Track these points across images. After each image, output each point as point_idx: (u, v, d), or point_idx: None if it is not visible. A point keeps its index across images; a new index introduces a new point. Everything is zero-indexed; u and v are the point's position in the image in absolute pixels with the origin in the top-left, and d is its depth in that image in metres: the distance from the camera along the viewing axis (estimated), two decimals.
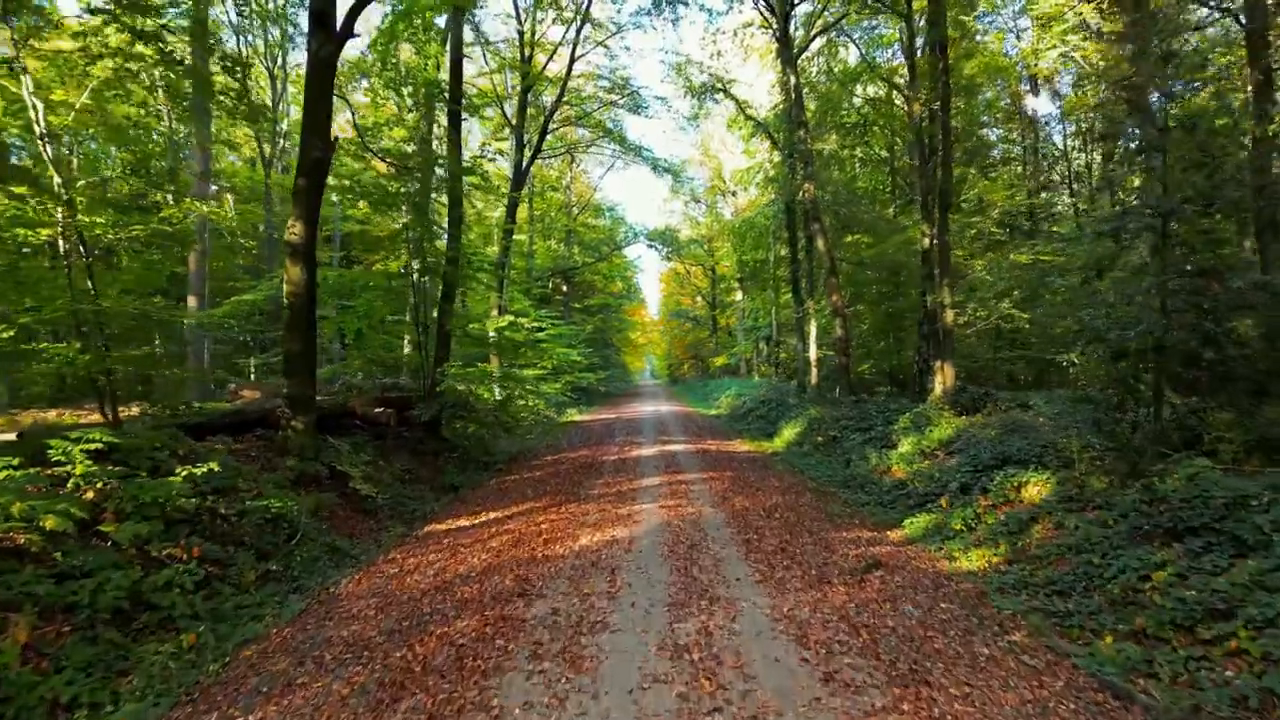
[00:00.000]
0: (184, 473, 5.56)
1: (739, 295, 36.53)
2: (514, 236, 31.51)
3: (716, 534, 6.09)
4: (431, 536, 6.56)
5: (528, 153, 17.89)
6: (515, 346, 18.48)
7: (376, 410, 9.92)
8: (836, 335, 16.64)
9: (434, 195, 11.31)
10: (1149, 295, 6.44)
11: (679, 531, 6.16)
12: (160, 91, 10.98)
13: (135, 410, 7.94)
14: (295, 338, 7.57)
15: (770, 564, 5.16)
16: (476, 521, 7.03)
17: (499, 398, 12.16)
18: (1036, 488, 6.74)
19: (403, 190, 10.47)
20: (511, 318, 10.67)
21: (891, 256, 15.86)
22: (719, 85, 22.10)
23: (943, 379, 11.86)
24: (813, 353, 19.96)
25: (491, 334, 17.61)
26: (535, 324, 20.08)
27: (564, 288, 32.31)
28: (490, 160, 10.74)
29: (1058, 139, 28.62)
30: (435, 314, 11.65)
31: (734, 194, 33.03)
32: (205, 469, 5.64)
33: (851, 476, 9.64)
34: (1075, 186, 25.36)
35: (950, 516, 6.91)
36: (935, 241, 11.86)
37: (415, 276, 10.95)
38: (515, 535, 6.26)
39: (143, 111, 10.46)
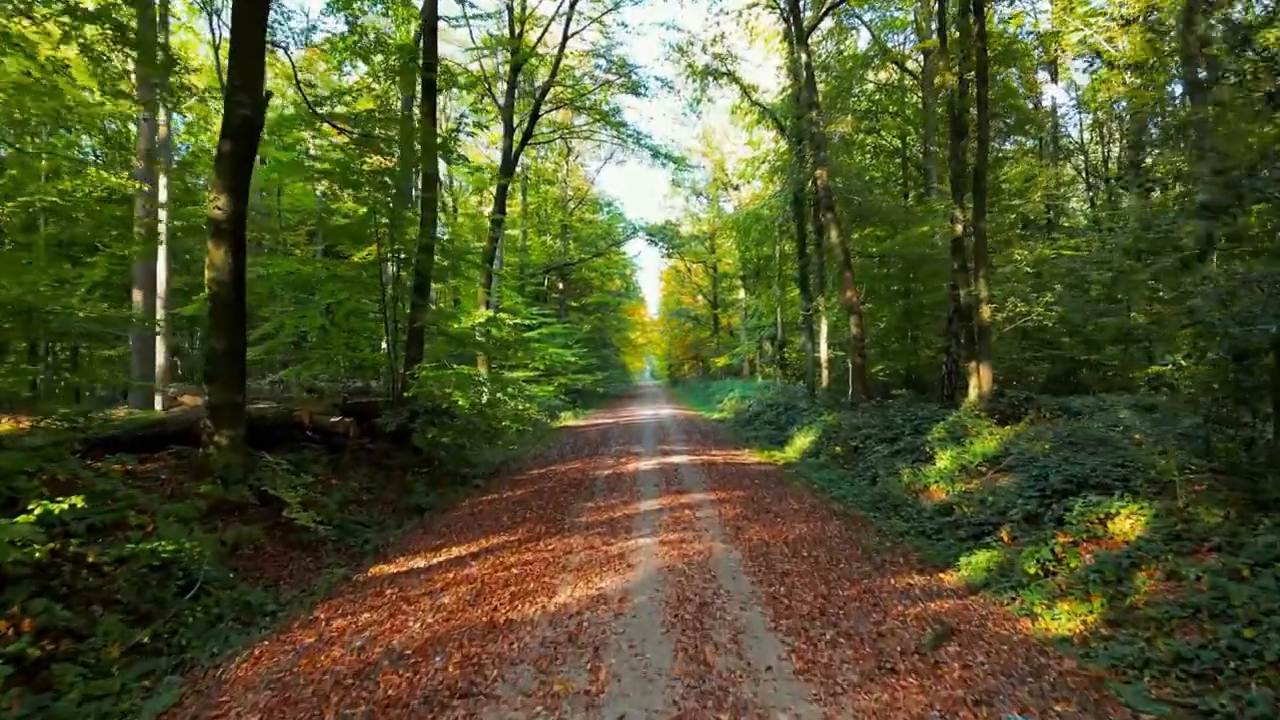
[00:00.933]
0: (39, 510, 4.25)
1: (741, 293, 35.23)
2: (507, 231, 30.17)
3: (733, 585, 4.78)
4: (374, 583, 5.24)
5: (518, 137, 16.57)
6: (504, 346, 17.19)
7: (333, 420, 8.60)
8: (851, 334, 15.34)
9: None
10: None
11: (685, 582, 4.84)
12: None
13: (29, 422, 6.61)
14: (219, 334, 6.26)
15: (809, 636, 3.86)
16: (434, 561, 5.72)
17: (482, 402, 10.84)
18: (1128, 521, 5.43)
19: (367, 166, 9.16)
20: (492, 313, 9.38)
21: (910, 249, 14.53)
22: (722, 69, 20.81)
23: (978, 382, 10.55)
24: (823, 353, 18.68)
25: (477, 333, 16.32)
26: (525, 321, 18.77)
27: (560, 285, 31.00)
28: (470, 135, 9.59)
29: (1073, 131, 27.39)
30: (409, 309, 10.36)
31: (736, 188, 31.74)
32: (66, 504, 4.31)
33: (881, 496, 8.32)
34: (1092, 180, 24.04)
35: (1019, 556, 5.60)
36: (970, 228, 10.55)
37: (385, 267, 9.63)
38: (476, 585, 4.94)
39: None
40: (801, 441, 13.02)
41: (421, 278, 10.14)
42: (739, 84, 20.80)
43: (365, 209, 9.69)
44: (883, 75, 22.86)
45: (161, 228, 10.36)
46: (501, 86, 17.35)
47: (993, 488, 7.12)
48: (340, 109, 9.25)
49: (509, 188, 24.32)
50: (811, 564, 5.37)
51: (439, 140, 9.32)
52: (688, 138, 50.44)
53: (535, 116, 16.52)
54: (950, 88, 10.79)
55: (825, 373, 18.72)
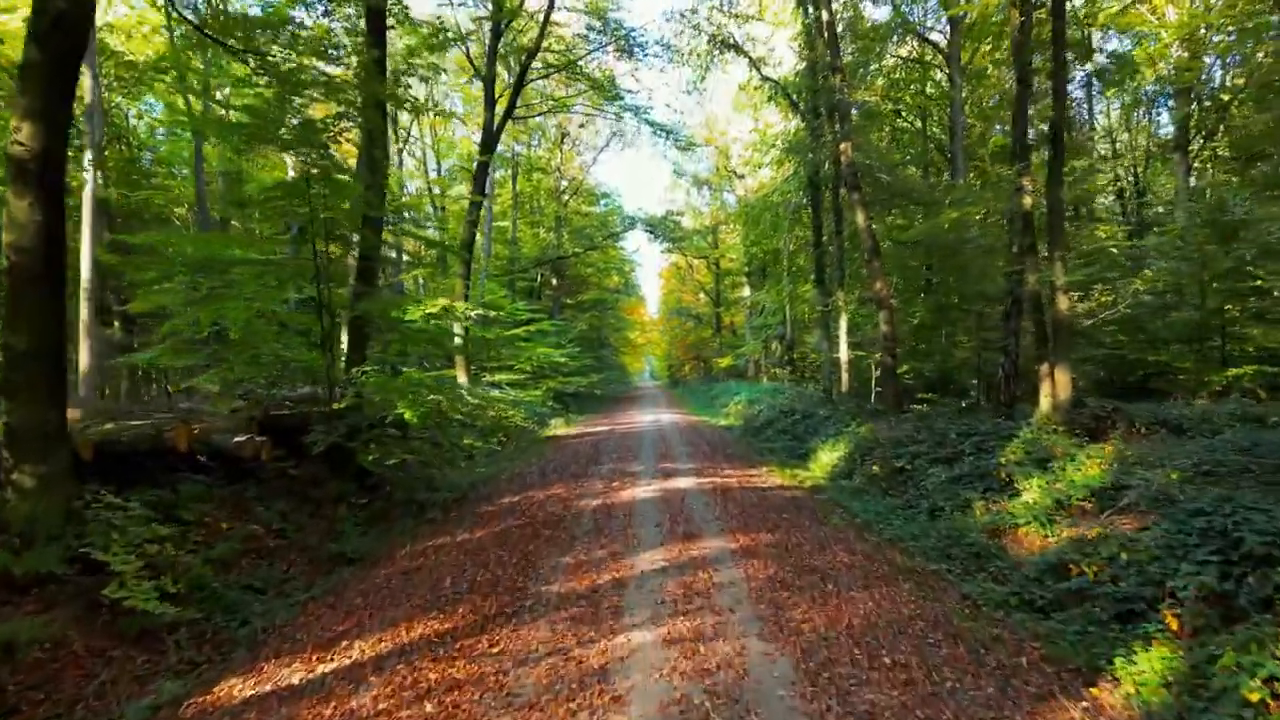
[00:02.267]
0: None
1: (746, 290, 33.28)
2: (497, 224, 28.20)
3: None
4: None
5: (500, 109, 14.61)
6: (489, 346, 15.25)
7: (236, 440, 6.63)
8: (881, 331, 13.40)
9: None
10: None
11: None
12: None
13: None
14: (20, 325, 4.30)
15: None
16: (317, 671, 3.76)
17: (443, 413, 8.86)
18: None
19: (296, 112, 7.21)
20: (445, 302, 7.41)
21: (949, 233, 12.57)
22: (730, 41, 18.86)
23: (1052, 388, 8.59)
24: (843, 353, 16.73)
25: (457, 331, 14.37)
26: (512, 316, 16.80)
27: (554, 281, 29.04)
28: (424, 79, 7.76)
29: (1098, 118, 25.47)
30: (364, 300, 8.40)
31: (742, 177, 29.79)
32: None
33: (950, 539, 6.35)
34: (1121, 167, 22.06)
35: (1211, 663, 3.64)
36: (1041, 199, 8.61)
37: (315, 245, 7.67)
38: None
39: None
40: (828, 457, 11.06)
41: (368, 260, 8.19)
42: (747, 56, 18.86)
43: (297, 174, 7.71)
44: (903, 51, 20.94)
45: None
46: (480, 53, 15.36)
47: (1121, 539, 5.15)
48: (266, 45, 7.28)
49: (492, 168, 22.38)
50: (902, 685, 3.41)
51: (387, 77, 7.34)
52: (690, 124, 48.45)
53: (520, 85, 14.56)
54: (1014, 25, 8.83)
55: (846, 375, 16.78)
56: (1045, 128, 9.48)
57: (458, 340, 14.62)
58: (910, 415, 12.35)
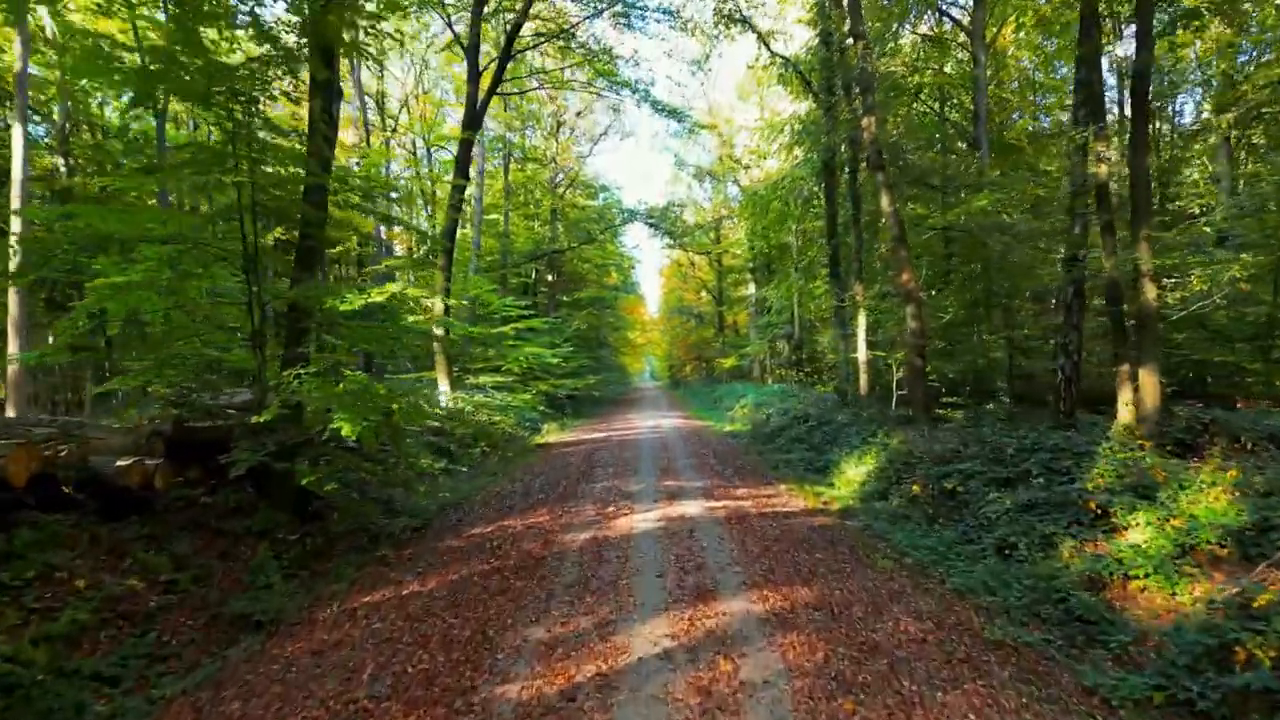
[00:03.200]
0: None
1: (751, 288, 31.85)
2: (486, 216, 26.74)
3: None
4: None
5: (485, 82, 13.17)
6: (474, 344, 13.84)
7: (119, 465, 5.20)
8: (908, 328, 11.95)
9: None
10: None
11: None
12: None
13: None
14: None
15: None
16: None
17: (419, 421, 7.41)
18: None
19: (208, 52, 5.79)
20: (396, 289, 5.96)
21: (984, 218, 11.14)
22: (738, 14, 17.41)
23: (1133, 395, 7.16)
24: (861, 353, 15.28)
25: (437, 331, 12.94)
26: (499, 313, 15.37)
27: (549, 277, 27.59)
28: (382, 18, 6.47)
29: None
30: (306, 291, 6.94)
31: (747, 168, 28.36)
32: None
33: (1037, 593, 4.91)
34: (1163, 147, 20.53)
35: None
36: (1115, 168, 7.16)
37: (242, 220, 6.25)
38: None
39: None
40: (854, 472, 9.63)
41: (309, 238, 6.75)
42: (755, 31, 17.41)
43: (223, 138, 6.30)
44: (922, 27, 19.52)
45: None
46: (462, 23, 13.91)
47: None
48: None
49: (482, 155, 20.97)
50: None
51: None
52: (693, 114, 47.02)
53: (507, 56, 13.12)
54: None
55: (864, 376, 15.32)
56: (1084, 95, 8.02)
57: (439, 336, 13.19)
58: (946, 423, 10.95)
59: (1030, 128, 18.28)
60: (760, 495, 8.41)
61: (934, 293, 13.97)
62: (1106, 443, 6.78)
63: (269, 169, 6.33)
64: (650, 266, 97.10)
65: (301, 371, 6.01)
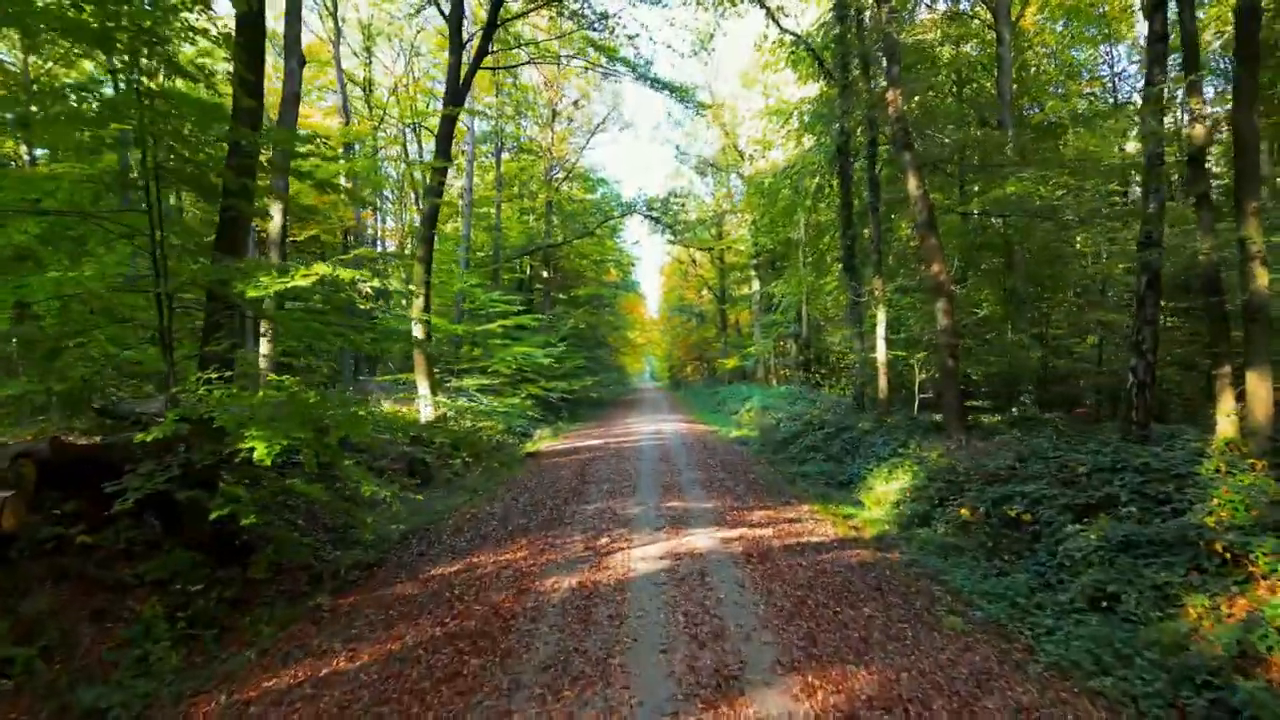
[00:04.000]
0: None
1: (755, 285, 30.56)
2: (478, 210, 25.48)
3: None
4: None
5: (469, 54, 11.92)
6: (468, 342, 12.62)
7: None
8: (939, 325, 10.71)
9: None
10: None
11: None
12: None
13: None
14: None
15: None
16: None
17: (362, 435, 6.12)
18: None
19: None
20: (325, 270, 4.72)
21: (1033, 201, 9.90)
22: None
23: (1233, 406, 5.91)
24: (881, 353, 13.99)
25: (416, 331, 11.69)
26: (487, 308, 14.11)
27: (544, 273, 26.33)
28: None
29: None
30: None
31: (751, 158, 27.10)
32: None
33: (1169, 672, 3.66)
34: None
35: None
36: (1231, 122, 5.93)
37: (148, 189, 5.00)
38: None
39: None
40: (884, 489, 8.39)
41: (231, 209, 5.49)
42: (764, 7, 16.15)
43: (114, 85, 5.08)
44: (940, 5, 18.26)
45: None
46: None
47: None
48: None
49: (471, 140, 19.72)
50: None
51: None
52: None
53: (494, 24, 11.85)
54: None
55: (884, 379, 14.04)
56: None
57: (418, 335, 11.94)
58: (983, 432, 9.70)
59: (1063, 111, 17.01)
60: (781, 519, 7.16)
61: (961, 287, 12.72)
62: (1206, 461, 5.54)
63: (180, 125, 5.07)
64: (650, 265, 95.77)
65: (213, 376, 4.75)
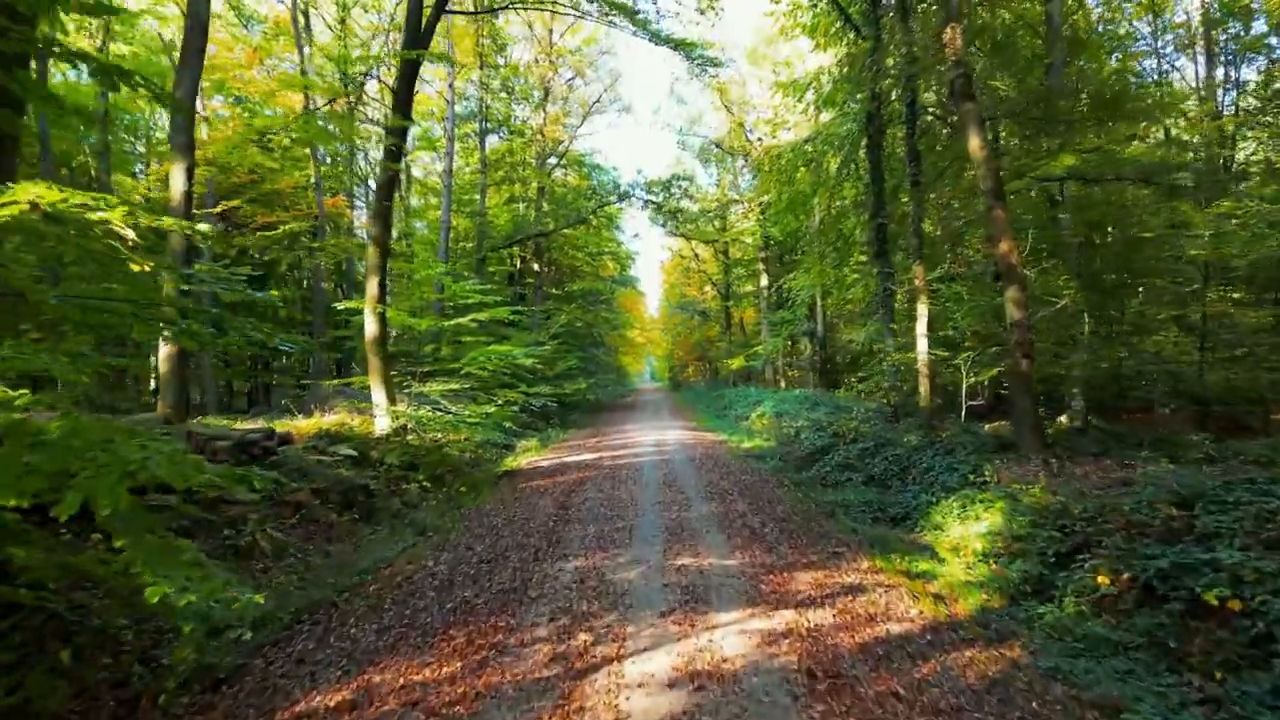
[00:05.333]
0: None
1: (763, 280, 28.44)
2: (463, 197, 23.36)
3: None
4: None
5: None
6: (431, 340, 10.60)
7: None
8: (1010, 319, 8.68)
9: None
10: None
11: None
12: None
13: None
14: None
15: None
16: None
17: (151, 478, 4.00)
18: None
19: None
20: (40, 191, 2.77)
21: (1143, 161, 7.79)
22: None
23: None
24: (921, 352, 11.89)
25: (370, 326, 9.64)
26: (461, 299, 12.02)
27: (535, 265, 24.23)
28: None
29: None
30: None
31: (760, 141, 25.01)
32: None
33: None
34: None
35: None
36: None
37: None
38: None
39: None
40: (964, 534, 6.31)
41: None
42: None
43: None
44: None
45: None
46: None
47: None
48: None
49: (451, 119, 17.67)
50: None
51: None
52: (698, 101, 43.91)
53: None
54: None
55: (925, 383, 11.92)
56: None
57: (370, 333, 9.85)
58: (1069, 450, 7.62)
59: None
60: (836, 587, 5.06)
61: (1034, 270, 10.60)
62: None
63: None
64: (651, 262, 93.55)
65: None
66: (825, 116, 16.21)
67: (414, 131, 24.45)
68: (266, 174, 19.94)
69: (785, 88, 17.13)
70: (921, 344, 11.71)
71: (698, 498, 8.35)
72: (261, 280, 20.36)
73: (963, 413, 11.94)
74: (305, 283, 20.60)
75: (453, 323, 11.14)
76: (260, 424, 8.53)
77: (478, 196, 20.45)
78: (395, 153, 10.00)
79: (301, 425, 8.94)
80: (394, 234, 24.17)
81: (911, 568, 5.71)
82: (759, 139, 24.77)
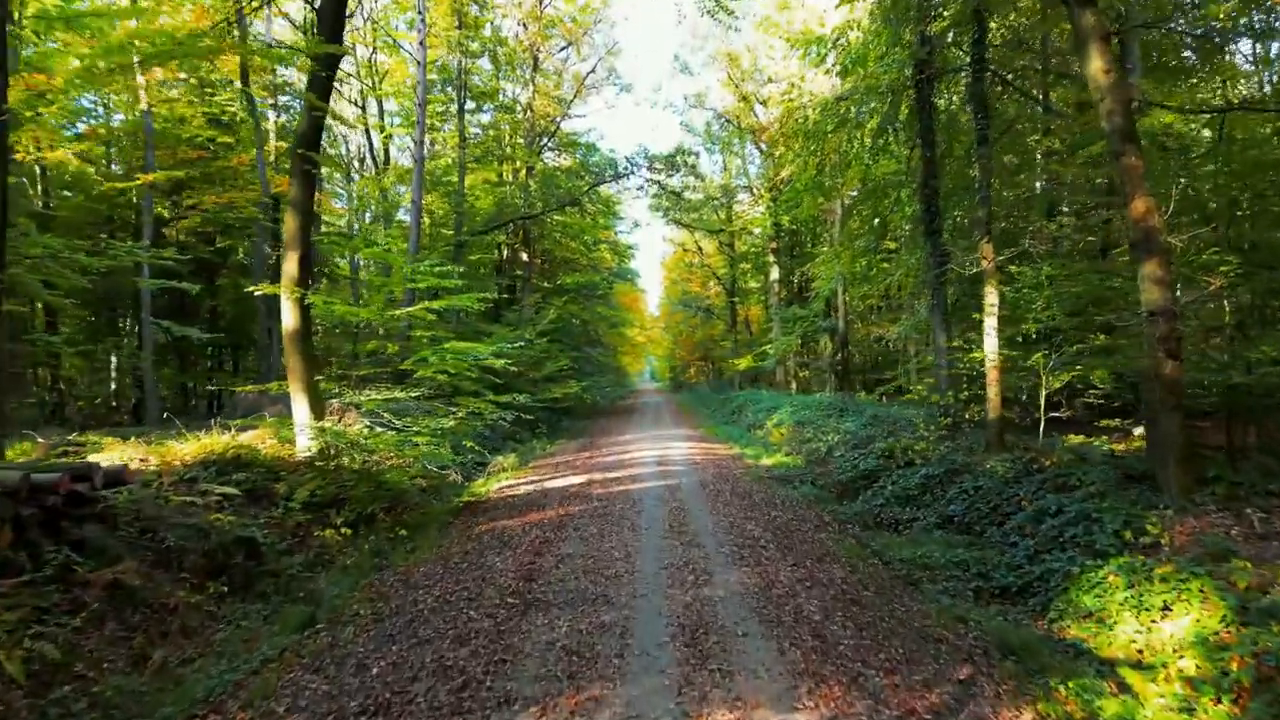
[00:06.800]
0: None
1: (774, 274, 26.01)
2: (447, 178, 20.99)
3: None
4: None
5: None
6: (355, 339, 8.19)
7: None
8: (1150, 304, 6.31)
9: None
10: None
11: None
12: None
13: None
14: None
15: None
16: None
17: None
18: None
19: None
20: None
21: None
22: None
23: None
24: (991, 351, 9.48)
25: (287, 312, 7.28)
26: (421, 282, 9.63)
27: (524, 255, 21.86)
28: None
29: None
30: None
31: (772, 121, 22.63)
32: None
33: None
34: None
35: None
36: None
37: None
38: None
39: None
40: (1148, 640, 3.93)
41: None
42: None
43: None
44: None
45: None
46: None
47: None
48: None
49: (422, 83, 15.25)
50: None
51: None
52: (705, 80, 41.58)
53: None
54: None
55: (995, 390, 9.47)
56: None
57: (289, 325, 7.50)
58: (1227, 498, 5.21)
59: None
60: None
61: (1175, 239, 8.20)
62: None
63: None
64: (651, 258, 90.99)
65: None
66: (849, 82, 13.84)
67: (390, 106, 22.12)
68: (221, 150, 17.72)
69: (802, 43, 14.59)
70: (990, 340, 9.29)
71: (719, 553, 5.97)
72: (210, 269, 18.04)
73: (1041, 427, 9.56)
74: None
75: (402, 312, 8.74)
76: (86, 459, 6.19)
77: (454, 176, 18.06)
78: (324, 87, 7.63)
79: (177, 450, 6.57)
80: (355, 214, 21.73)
81: (1098, 713, 3.35)
82: (771, 119, 22.37)
